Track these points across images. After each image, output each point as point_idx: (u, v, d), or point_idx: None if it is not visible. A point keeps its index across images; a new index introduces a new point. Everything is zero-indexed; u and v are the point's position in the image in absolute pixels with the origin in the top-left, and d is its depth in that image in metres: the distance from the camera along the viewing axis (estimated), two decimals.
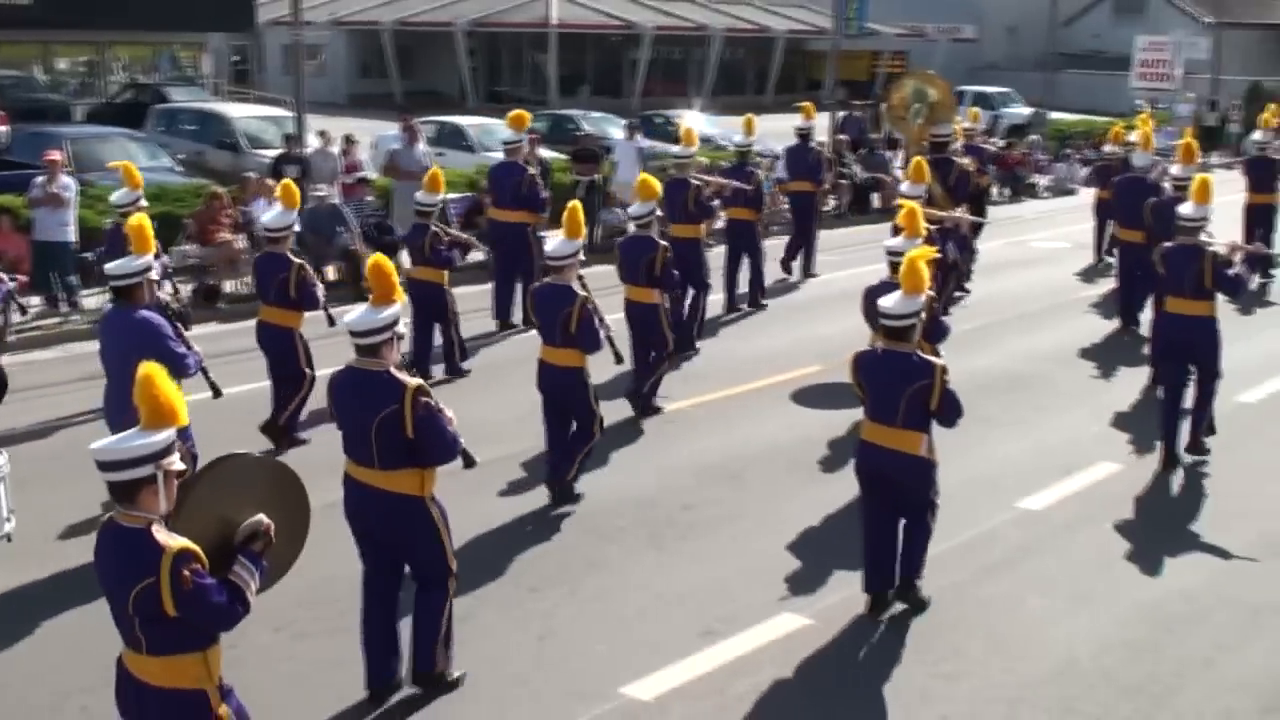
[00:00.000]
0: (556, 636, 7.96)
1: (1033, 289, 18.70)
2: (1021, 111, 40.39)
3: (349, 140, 21.12)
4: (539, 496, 10.14)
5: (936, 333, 8.14)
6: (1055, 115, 36.80)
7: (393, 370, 6.62)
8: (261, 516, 5.23)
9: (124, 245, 11.87)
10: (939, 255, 9.23)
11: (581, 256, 9.82)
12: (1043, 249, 22.66)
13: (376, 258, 6.94)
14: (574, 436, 10.05)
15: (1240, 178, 19.72)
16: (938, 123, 18.93)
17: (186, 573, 4.80)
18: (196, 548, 4.91)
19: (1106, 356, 14.96)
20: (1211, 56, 43.72)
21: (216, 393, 10.16)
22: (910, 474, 7.95)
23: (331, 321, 11.31)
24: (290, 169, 19.46)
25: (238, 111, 27.60)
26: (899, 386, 7.79)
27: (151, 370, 5.07)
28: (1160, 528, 9.88)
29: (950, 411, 7.84)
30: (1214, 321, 10.88)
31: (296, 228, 11.78)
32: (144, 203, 12.48)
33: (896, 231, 10.57)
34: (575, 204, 9.89)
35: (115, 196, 12.60)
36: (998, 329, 16.12)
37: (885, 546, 8.21)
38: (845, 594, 8.55)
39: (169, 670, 5.00)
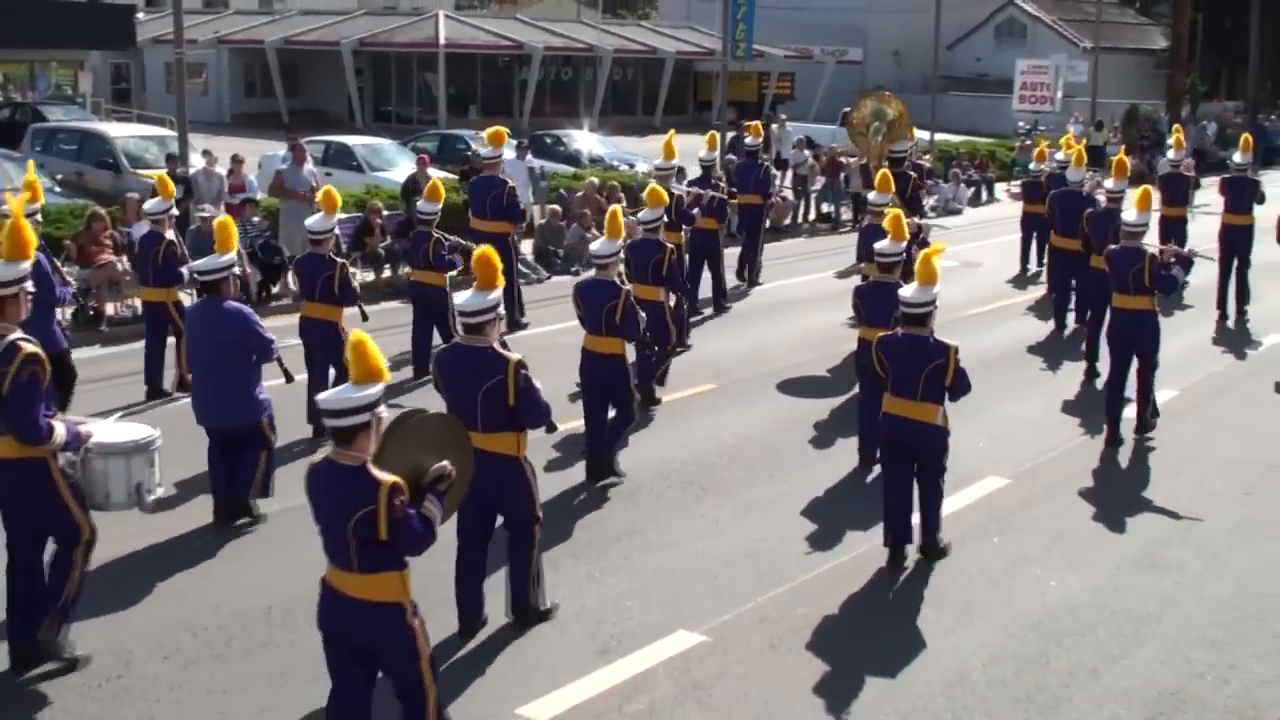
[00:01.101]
0: (450, 658, 7.91)
1: None
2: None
3: (235, 160, 20.81)
4: None
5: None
6: (940, 136, 37.47)
7: (495, 346, 7.41)
8: (446, 463, 6.25)
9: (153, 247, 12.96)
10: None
11: (621, 255, 10.86)
12: None
13: (484, 248, 7.71)
14: (614, 420, 11.12)
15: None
16: (896, 140, 20.55)
17: (398, 503, 5.82)
18: (404, 483, 5.88)
19: (993, 373, 15.21)
20: (1090, 80, 44.87)
21: (289, 378, 10.61)
22: (929, 440, 9.22)
23: (365, 317, 12.23)
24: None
25: (118, 131, 27.03)
26: (919, 365, 9.04)
27: (361, 336, 6.04)
28: (1046, 541, 10.09)
29: (961, 387, 9.12)
30: (1155, 315, 12.35)
31: (337, 231, 12.80)
32: (175, 211, 13.56)
33: (881, 236, 11.88)
34: (615, 208, 10.85)
35: (149, 205, 13.46)
36: None
37: (902, 505, 9.40)
38: (738, 610, 8.63)
39: (375, 586, 6.00)
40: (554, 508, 10.37)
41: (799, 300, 19.20)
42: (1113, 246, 12.58)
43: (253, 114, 50.81)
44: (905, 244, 11.35)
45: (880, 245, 11.34)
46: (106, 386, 13.24)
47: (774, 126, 33.66)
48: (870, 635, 8.37)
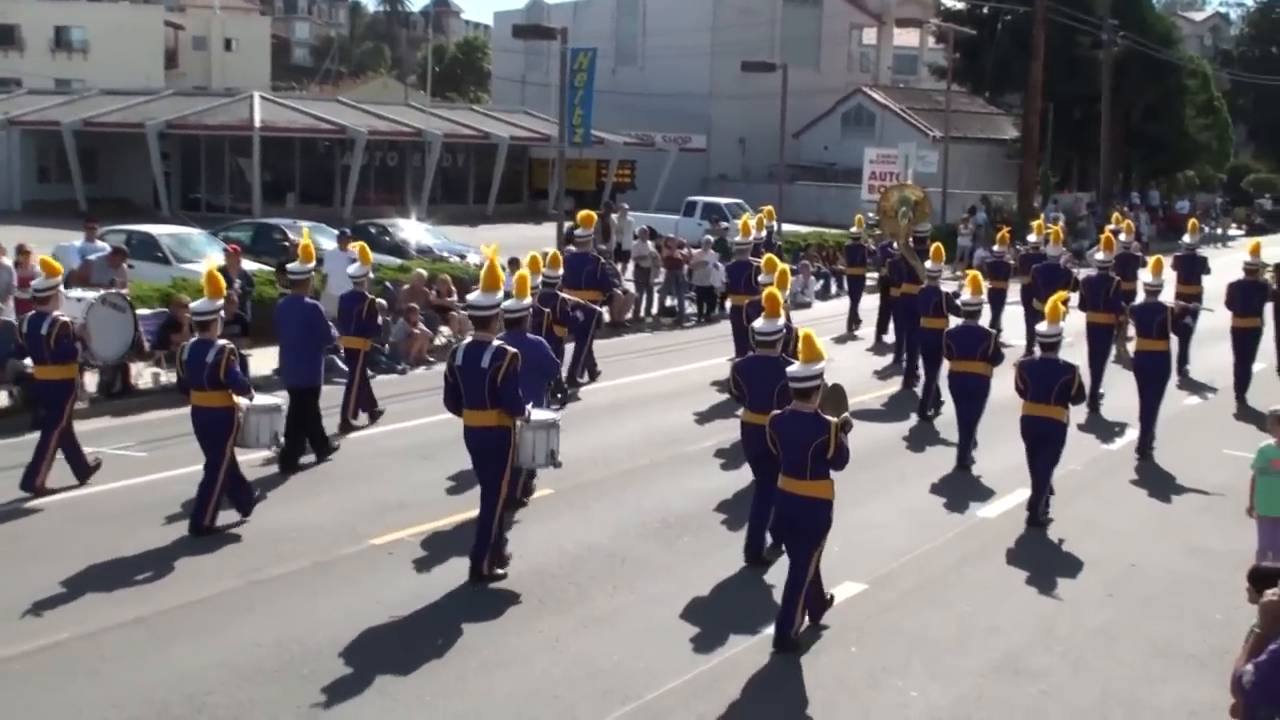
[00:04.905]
0: None
1: None
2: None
3: (21, 251, 20.11)
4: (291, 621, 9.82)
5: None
6: (788, 227, 38.21)
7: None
8: (847, 414, 10.24)
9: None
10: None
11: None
12: None
13: (770, 289, 11.59)
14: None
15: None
16: (920, 221, 24.69)
17: (840, 435, 9.85)
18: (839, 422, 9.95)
19: (846, 478, 15.42)
20: (940, 169, 46.29)
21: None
22: (1056, 432, 13.43)
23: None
24: None
25: None
26: (1052, 380, 13.24)
27: (808, 332, 10.11)
28: (906, 649, 10.19)
29: (1081, 395, 13.61)
30: (1169, 355, 17.39)
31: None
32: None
33: (936, 297, 18.18)
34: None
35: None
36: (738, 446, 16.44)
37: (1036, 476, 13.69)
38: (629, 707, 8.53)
39: (818, 488, 10.04)
40: (383, 627, 10.19)
41: (641, 399, 19.30)
42: (1135, 303, 17.78)
43: (47, 201, 49.82)
44: (983, 297, 15.84)
45: (965, 298, 15.92)
46: None
47: (614, 216, 33.92)
48: None
